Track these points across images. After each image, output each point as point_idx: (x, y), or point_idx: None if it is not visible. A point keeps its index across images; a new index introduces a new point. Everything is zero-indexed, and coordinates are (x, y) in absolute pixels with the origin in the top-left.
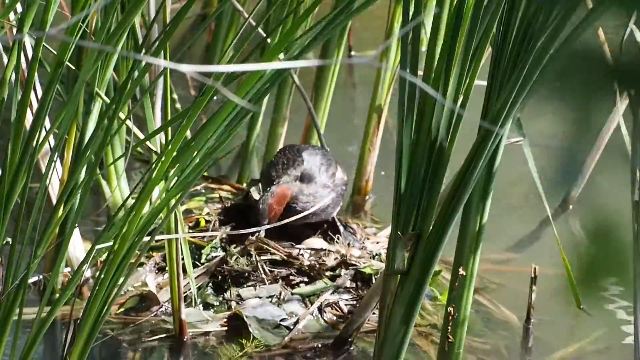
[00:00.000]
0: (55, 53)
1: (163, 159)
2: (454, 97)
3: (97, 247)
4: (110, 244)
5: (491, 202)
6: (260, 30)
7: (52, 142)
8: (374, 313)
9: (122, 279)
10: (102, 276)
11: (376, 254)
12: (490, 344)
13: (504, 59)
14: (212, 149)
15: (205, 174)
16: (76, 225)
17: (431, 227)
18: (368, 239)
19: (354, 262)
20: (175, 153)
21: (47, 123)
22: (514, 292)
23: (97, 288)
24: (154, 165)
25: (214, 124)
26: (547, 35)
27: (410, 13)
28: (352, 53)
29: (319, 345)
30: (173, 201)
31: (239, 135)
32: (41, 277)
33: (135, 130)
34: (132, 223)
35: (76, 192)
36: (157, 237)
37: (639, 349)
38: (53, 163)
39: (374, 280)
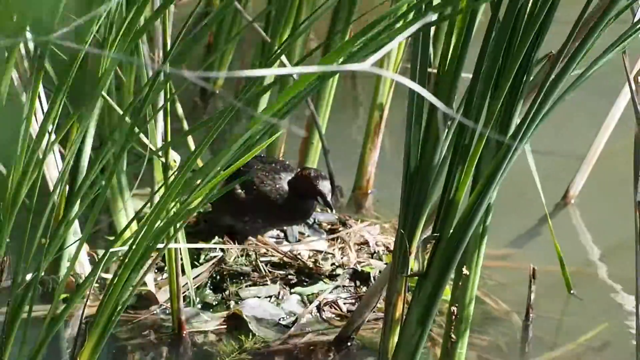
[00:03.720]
0: (60, 54)
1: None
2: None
3: (111, 250)
4: (125, 248)
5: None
6: (260, 29)
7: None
8: (373, 311)
9: (133, 284)
10: (115, 281)
11: (374, 252)
12: (490, 340)
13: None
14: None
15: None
16: (84, 239)
17: (451, 231)
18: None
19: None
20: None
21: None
22: (513, 288)
23: (109, 293)
24: (168, 180)
25: (236, 143)
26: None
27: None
28: None
29: (319, 342)
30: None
31: None
32: (44, 277)
33: (147, 142)
34: (147, 231)
35: (78, 214)
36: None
37: None
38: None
39: (372, 280)
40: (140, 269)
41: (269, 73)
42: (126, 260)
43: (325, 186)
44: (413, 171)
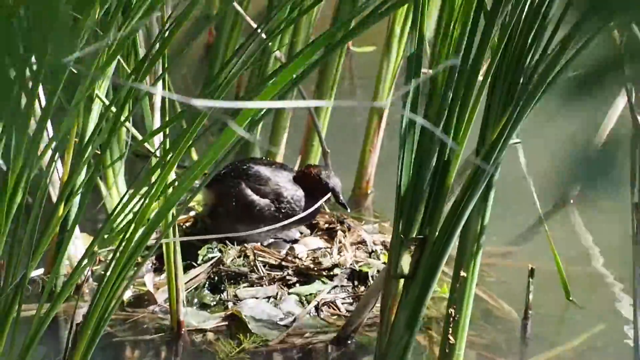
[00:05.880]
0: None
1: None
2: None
3: (98, 249)
4: (113, 247)
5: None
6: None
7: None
8: (371, 311)
9: (125, 282)
10: (106, 279)
11: (372, 251)
12: (489, 338)
13: (500, 82)
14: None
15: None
16: (76, 224)
17: (437, 232)
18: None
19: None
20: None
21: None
22: (512, 286)
23: (100, 291)
24: (154, 170)
25: (214, 151)
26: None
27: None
28: (350, 48)
29: (317, 342)
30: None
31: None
32: (42, 275)
33: (134, 131)
34: (137, 227)
35: (76, 193)
36: (154, 239)
37: (639, 348)
38: (53, 163)
39: (370, 279)
40: (133, 266)
41: (276, 106)
42: (117, 255)
43: (337, 183)
44: (407, 175)
